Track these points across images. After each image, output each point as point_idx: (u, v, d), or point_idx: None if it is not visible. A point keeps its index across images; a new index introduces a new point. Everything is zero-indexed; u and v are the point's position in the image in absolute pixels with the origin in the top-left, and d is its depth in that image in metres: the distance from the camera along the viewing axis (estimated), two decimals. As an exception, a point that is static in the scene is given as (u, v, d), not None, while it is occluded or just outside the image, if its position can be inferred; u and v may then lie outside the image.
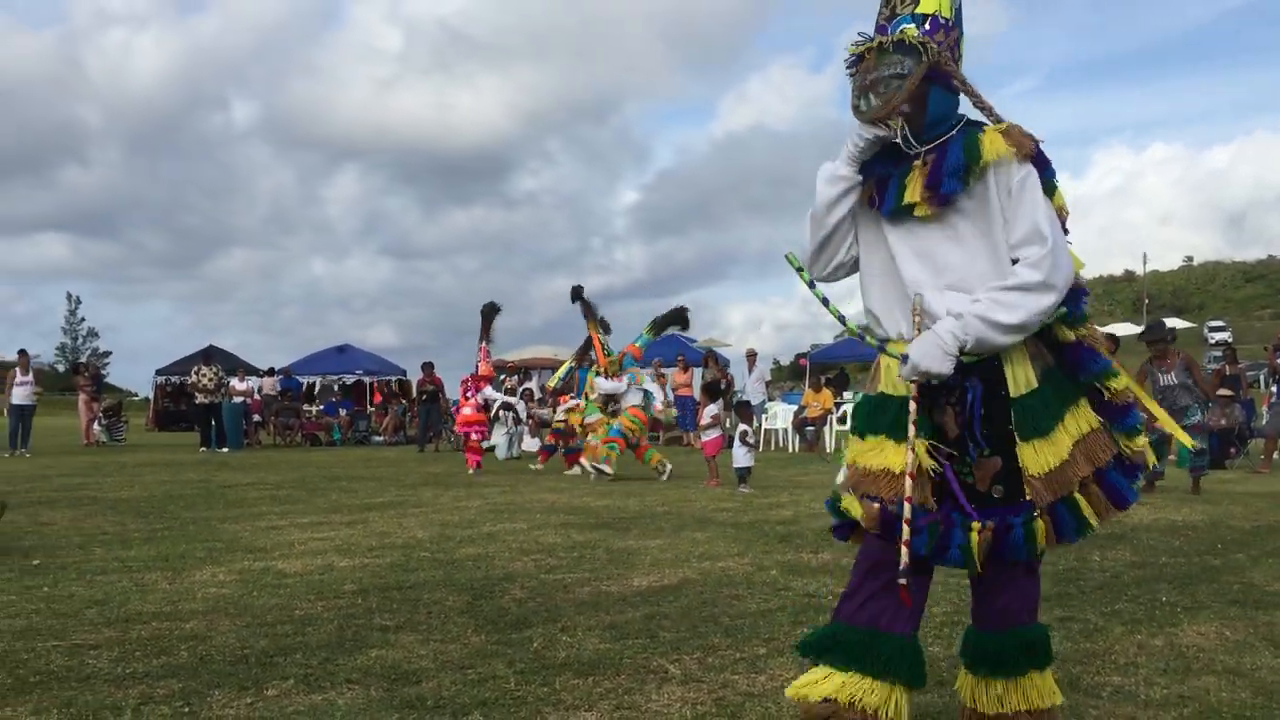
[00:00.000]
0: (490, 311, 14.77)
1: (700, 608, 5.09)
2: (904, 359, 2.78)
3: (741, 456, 11.21)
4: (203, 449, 20.44)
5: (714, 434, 12.36)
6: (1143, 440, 2.96)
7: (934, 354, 2.73)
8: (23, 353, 20.90)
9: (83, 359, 69.74)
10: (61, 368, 74.69)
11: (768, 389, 23.90)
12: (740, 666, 4.04)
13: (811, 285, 2.99)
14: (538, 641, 4.40)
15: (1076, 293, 2.86)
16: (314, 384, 29.96)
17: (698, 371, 22.86)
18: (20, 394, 19.53)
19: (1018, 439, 2.81)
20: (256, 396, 24.95)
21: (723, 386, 19.30)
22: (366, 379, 30.10)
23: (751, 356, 22.67)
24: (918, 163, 2.86)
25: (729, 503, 9.90)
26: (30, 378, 20.09)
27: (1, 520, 7.15)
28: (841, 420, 19.64)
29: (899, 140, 2.85)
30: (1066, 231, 2.88)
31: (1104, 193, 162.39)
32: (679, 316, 14.23)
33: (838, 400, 20.40)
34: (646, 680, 3.84)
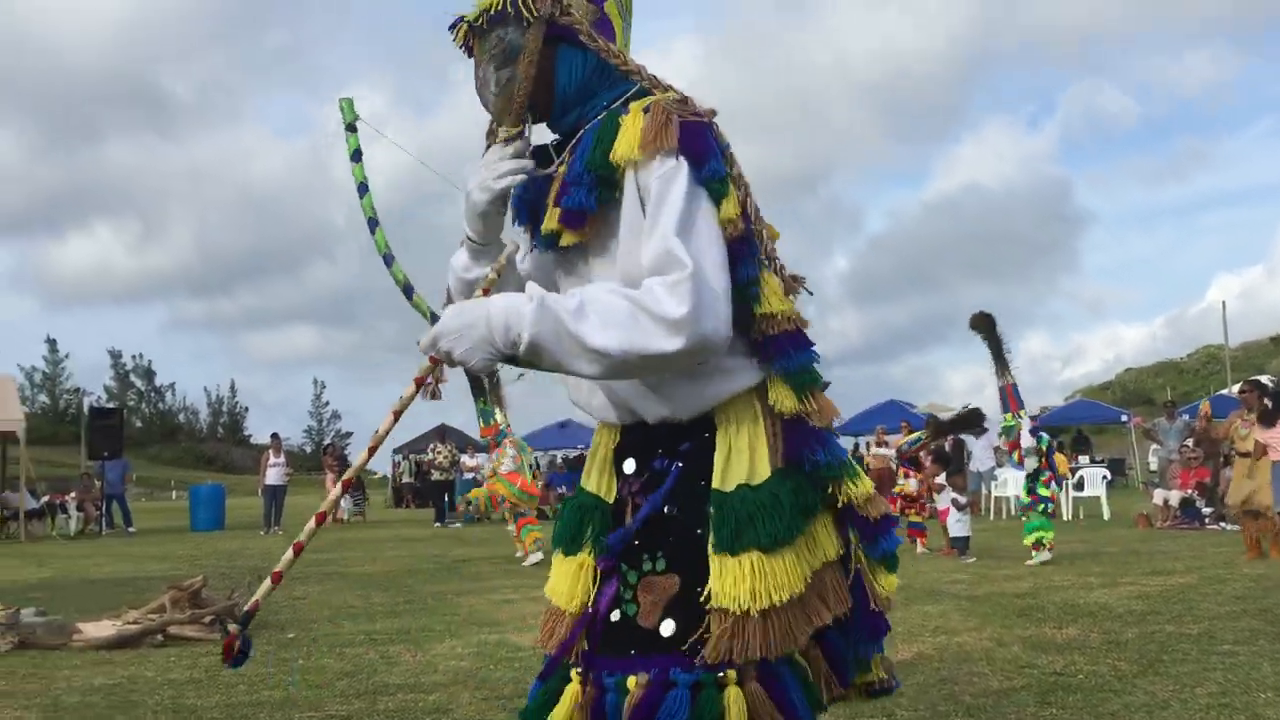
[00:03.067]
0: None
1: (938, 685, 4.89)
2: (433, 320, 1.88)
3: (955, 525, 10.83)
4: (437, 524, 21.27)
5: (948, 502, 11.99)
6: (894, 581, 2.08)
7: (471, 333, 1.83)
8: (275, 436, 22.39)
9: (328, 440, 74.07)
10: (309, 449, 79.51)
11: (997, 455, 22.99)
12: (986, 749, 3.84)
13: (363, 189, 2.09)
14: (771, 719, 4.32)
15: (785, 342, 1.95)
16: (537, 459, 30.78)
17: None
18: (274, 475, 20.86)
19: (711, 548, 1.87)
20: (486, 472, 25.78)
21: (949, 451, 18.72)
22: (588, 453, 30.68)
23: (978, 421, 21.87)
24: (562, 168, 2.01)
25: (961, 574, 9.53)
26: (282, 459, 21.45)
27: (260, 595, 7.60)
28: (1077, 486, 18.67)
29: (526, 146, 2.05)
30: (747, 255, 1.90)
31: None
32: (973, 419, 11.86)
33: (1072, 465, 19.41)
34: (886, 762, 3.71)
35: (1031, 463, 11.03)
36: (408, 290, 2.14)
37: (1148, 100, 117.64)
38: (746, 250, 1.91)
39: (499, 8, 1.97)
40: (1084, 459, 24.20)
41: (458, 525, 11.27)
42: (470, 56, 2.06)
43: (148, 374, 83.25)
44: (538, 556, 11.60)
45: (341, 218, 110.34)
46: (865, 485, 2.01)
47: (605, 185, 1.91)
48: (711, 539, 1.87)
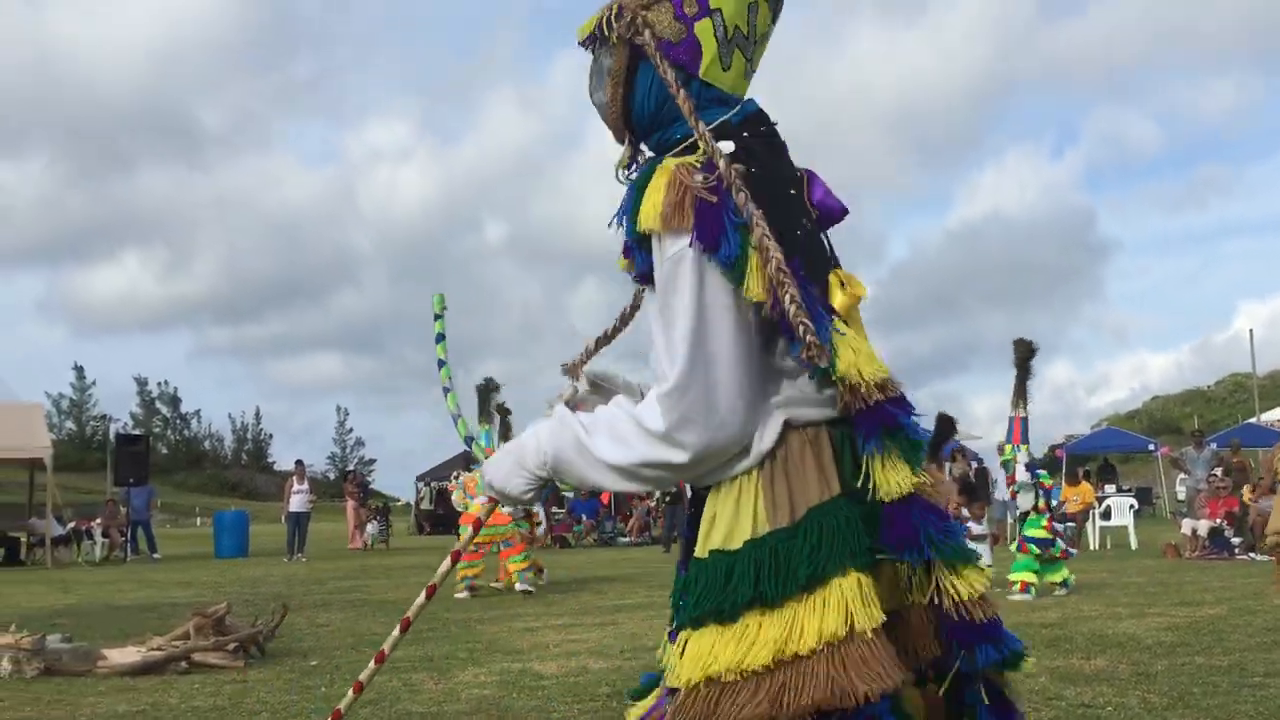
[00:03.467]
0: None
1: (965, 717, 4.84)
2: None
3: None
4: (460, 552, 21.23)
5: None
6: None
7: (504, 464, 1.95)
8: (299, 463, 22.46)
9: (350, 467, 74.30)
10: (332, 476, 79.71)
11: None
12: (1013, 782, 3.79)
13: (441, 364, 2.35)
14: (795, 750, 4.28)
15: (875, 418, 1.79)
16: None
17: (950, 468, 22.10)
18: (297, 502, 20.92)
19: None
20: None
21: (974, 480, 18.59)
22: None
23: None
24: None
25: (987, 604, 9.43)
26: (306, 486, 21.51)
27: (283, 623, 7.62)
28: (1105, 515, 18.51)
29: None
30: (795, 332, 1.74)
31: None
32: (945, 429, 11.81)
33: (1099, 494, 19.25)
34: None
35: (1026, 500, 10.84)
36: (469, 440, 2.41)
37: (1171, 127, 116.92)
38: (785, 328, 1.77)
39: (593, 32, 1.96)
40: (1110, 488, 23.98)
41: (464, 595, 11.10)
42: None
43: (173, 401, 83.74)
44: (525, 586, 11.27)
45: (366, 244, 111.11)
46: (970, 582, 1.79)
47: (645, 247, 1.87)
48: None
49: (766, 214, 1.79)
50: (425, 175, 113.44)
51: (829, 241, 2.02)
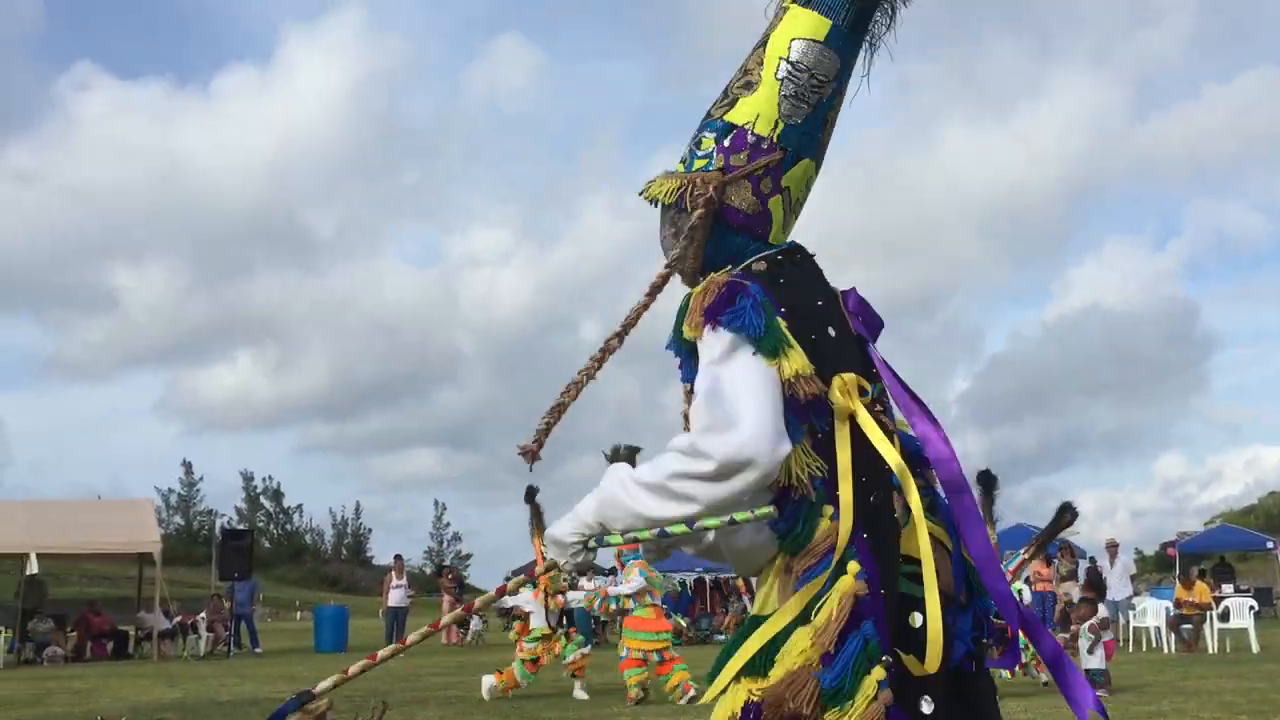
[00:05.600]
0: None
1: (1080, 829, 4.64)
2: None
3: (1089, 658, 10.35)
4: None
5: (1107, 635, 11.39)
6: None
7: (556, 532, 2.17)
8: (398, 558, 22.75)
9: (446, 562, 74.69)
10: (428, 570, 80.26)
11: (1133, 582, 22.00)
12: None
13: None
14: None
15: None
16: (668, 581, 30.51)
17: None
18: (396, 596, 21.12)
19: None
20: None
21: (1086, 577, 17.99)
22: (707, 576, 30.36)
23: (1113, 547, 20.98)
24: None
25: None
26: (404, 581, 21.74)
27: None
28: (1223, 617, 17.72)
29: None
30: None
31: None
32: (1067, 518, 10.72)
33: (1216, 594, 18.45)
34: None
35: None
36: None
37: (1275, 219, 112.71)
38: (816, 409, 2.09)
39: (677, 200, 2.27)
40: (1228, 588, 22.98)
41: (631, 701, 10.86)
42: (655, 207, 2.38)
43: (276, 495, 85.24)
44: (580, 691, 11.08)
45: (467, 344, 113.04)
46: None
47: (694, 357, 2.13)
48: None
49: (790, 318, 2.10)
50: (523, 277, 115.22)
51: (871, 346, 2.27)
